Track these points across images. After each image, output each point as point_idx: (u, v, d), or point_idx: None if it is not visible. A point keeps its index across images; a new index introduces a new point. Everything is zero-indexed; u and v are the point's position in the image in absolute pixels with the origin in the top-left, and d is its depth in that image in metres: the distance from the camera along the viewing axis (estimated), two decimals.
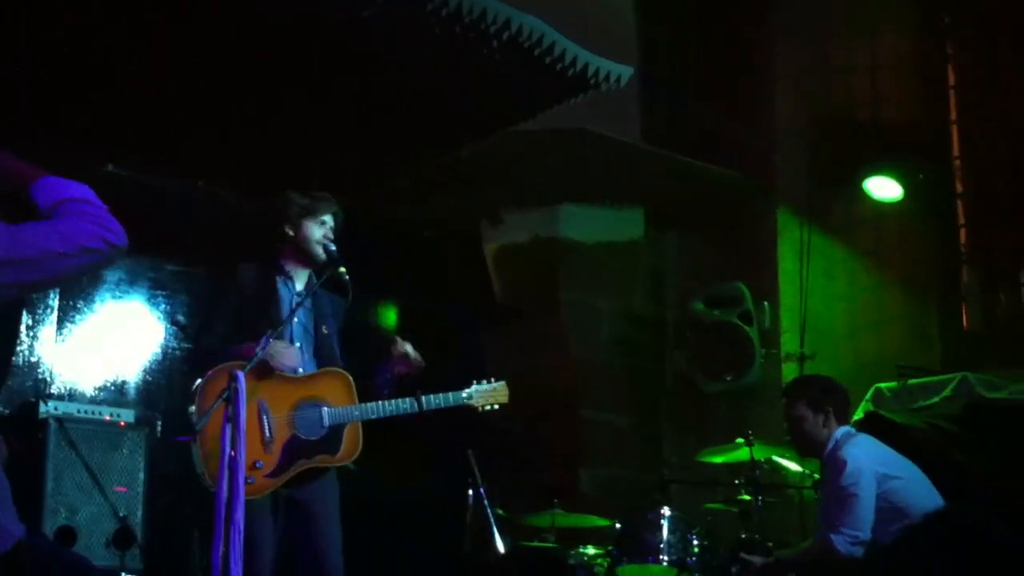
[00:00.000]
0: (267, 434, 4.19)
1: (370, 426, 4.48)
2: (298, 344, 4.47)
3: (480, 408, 4.58)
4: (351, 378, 4.38)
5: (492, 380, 4.64)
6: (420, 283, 7.65)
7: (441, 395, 4.48)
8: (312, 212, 4.56)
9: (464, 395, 4.54)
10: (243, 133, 6.15)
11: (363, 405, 4.36)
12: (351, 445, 4.33)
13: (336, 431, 4.31)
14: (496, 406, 4.60)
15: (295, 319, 4.46)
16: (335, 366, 4.47)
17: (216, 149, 6.40)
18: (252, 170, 6.67)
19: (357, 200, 4.83)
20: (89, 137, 6.14)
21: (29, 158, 2.48)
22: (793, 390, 5.02)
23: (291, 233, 4.54)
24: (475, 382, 4.60)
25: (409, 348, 4.50)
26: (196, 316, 6.82)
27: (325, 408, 4.30)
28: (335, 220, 4.57)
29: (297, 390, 4.31)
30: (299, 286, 4.49)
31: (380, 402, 4.38)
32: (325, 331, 4.49)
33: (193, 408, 4.10)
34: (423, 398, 4.41)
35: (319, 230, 4.53)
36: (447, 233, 7.90)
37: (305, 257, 4.56)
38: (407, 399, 4.40)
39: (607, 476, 7.32)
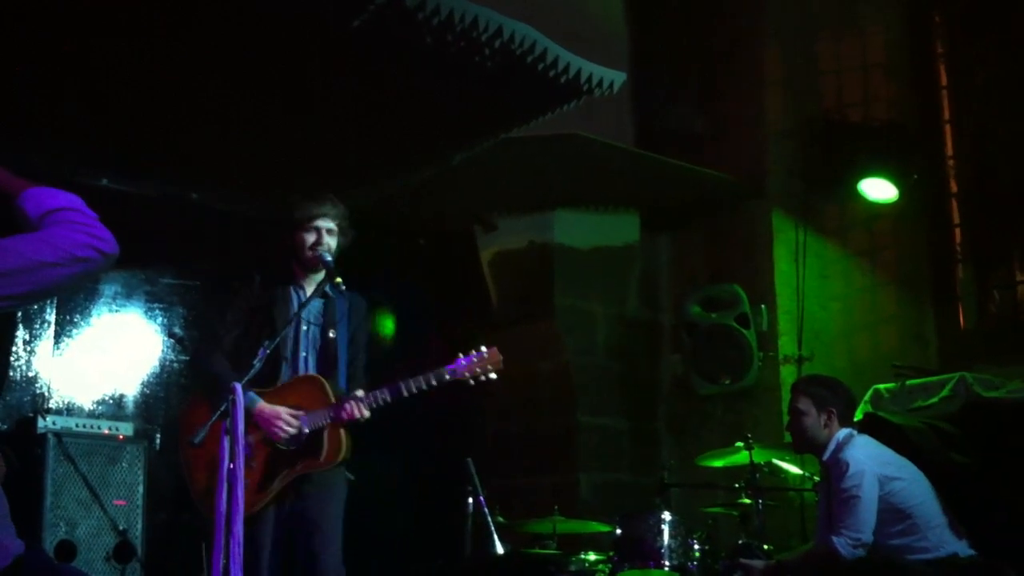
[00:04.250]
0: (248, 452, 4.18)
1: (370, 433, 4.47)
2: (304, 354, 4.46)
3: (472, 380, 4.38)
4: (324, 380, 4.35)
5: (479, 349, 4.43)
6: (415, 290, 7.65)
7: (422, 376, 4.33)
8: (303, 219, 4.54)
9: (448, 370, 4.36)
10: (235, 143, 6.14)
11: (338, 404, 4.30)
12: (333, 446, 4.31)
13: (317, 436, 4.30)
14: (492, 375, 4.40)
15: (303, 325, 4.46)
16: (338, 370, 4.44)
17: (209, 159, 6.40)
18: (244, 179, 6.67)
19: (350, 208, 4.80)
20: (84, 149, 6.14)
21: (25, 171, 2.48)
22: (801, 385, 5.07)
23: (288, 241, 4.55)
24: (459, 355, 4.42)
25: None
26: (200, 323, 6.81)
27: (303, 416, 4.31)
28: (335, 223, 4.54)
29: (274, 404, 4.32)
30: (309, 292, 4.44)
31: (355, 398, 4.30)
32: (332, 335, 4.47)
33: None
34: (402, 384, 4.32)
35: (310, 237, 4.52)
36: (441, 240, 7.90)
37: (301, 265, 4.54)
38: (384, 388, 4.33)
39: (605, 480, 7.31)
